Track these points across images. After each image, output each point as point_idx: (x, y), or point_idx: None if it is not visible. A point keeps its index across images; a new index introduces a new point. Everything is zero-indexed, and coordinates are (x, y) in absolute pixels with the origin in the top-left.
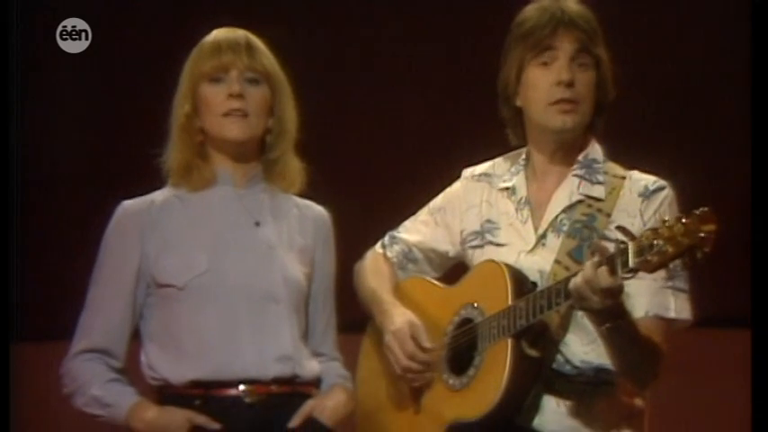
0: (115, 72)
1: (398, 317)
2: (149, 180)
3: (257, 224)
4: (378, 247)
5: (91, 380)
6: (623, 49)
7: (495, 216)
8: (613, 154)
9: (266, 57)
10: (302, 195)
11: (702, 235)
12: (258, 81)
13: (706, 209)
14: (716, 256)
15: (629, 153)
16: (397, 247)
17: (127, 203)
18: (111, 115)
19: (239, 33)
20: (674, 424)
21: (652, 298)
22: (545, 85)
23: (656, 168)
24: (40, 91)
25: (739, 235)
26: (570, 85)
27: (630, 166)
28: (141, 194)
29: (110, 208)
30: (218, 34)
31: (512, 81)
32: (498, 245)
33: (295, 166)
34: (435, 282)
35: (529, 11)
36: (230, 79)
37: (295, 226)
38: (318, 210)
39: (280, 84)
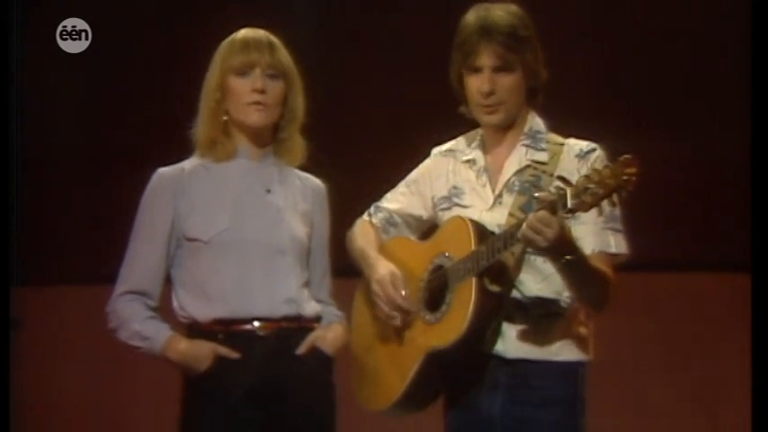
0: (115, 72)
1: (381, 268)
2: (137, 168)
3: (268, 191)
4: (365, 216)
5: (132, 317)
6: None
7: (459, 183)
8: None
9: (284, 55)
10: (304, 170)
11: (625, 177)
12: (277, 76)
13: (628, 156)
14: (716, 202)
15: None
16: (380, 215)
17: (162, 170)
18: (110, 115)
19: (262, 33)
20: (676, 366)
21: (596, 238)
22: (473, 90)
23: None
24: (40, 91)
25: (739, 180)
26: (490, 94)
27: (567, 134)
28: (128, 176)
29: (101, 182)
30: (246, 34)
31: (455, 77)
32: (464, 206)
33: (300, 144)
34: (412, 239)
35: (466, 19)
36: (255, 75)
37: (298, 194)
38: (316, 181)
39: (293, 78)
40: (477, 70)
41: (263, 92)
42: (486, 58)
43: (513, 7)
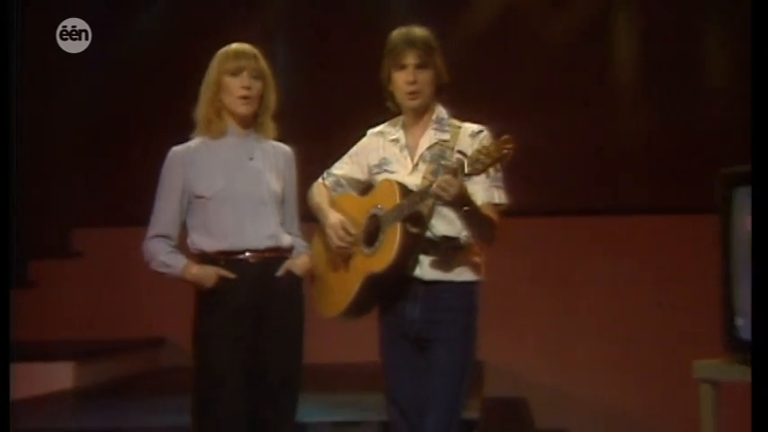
0: (115, 72)
1: (332, 217)
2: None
3: (251, 159)
4: (319, 180)
5: (158, 252)
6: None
7: (387, 155)
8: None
9: (263, 62)
10: (278, 140)
11: (505, 151)
12: (258, 78)
13: (507, 136)
14: (693, 145)
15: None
16: (331, 179)
17: (175, 148)
18: (109, 114)
19: (248, 47)
20: (651, 303)
21: (484, 192)
22: (400, 83)
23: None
24: (40, 91)
25: (713, 124)
26: (413, 83)
27: (466, 119)
28: (120, 164)
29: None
30: (238, 46)
31: (386, 77)
32: (391, 172)
33: (272, 126)
34: (354, 195)
35: (393, 35)
36: (243, 76)
37: (272, 158)
38: (286, 148)
39: (269, 79)
40: (403, 67)
41: (249, 88)
42: (410, 58)
43: (425, 29)
